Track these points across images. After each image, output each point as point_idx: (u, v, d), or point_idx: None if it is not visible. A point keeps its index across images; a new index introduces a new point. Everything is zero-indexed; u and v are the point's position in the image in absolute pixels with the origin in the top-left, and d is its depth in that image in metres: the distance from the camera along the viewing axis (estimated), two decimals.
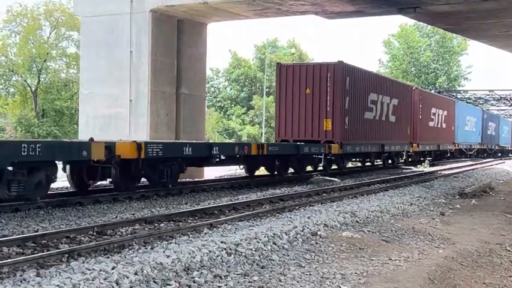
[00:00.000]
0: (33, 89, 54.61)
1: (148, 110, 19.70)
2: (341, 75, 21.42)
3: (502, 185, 21.93)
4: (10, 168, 10.32)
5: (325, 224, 10.02)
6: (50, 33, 55.07)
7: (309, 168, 21.66)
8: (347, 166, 25.60)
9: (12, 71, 54.11)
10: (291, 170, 20.63)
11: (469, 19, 20.95)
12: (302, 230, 9.26)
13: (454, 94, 58.48)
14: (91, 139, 12.04)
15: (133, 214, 10.97)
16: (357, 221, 10.90)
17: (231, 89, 75.82)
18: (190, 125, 21.33)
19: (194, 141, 17.50)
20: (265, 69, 67.76)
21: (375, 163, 28.06)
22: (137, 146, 12.86)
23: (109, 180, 13.75)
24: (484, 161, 42.54)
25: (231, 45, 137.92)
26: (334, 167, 23.20)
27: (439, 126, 35.01)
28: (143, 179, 14.79)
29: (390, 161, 28.97)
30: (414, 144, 29.78)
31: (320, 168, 21.90)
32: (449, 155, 39.41)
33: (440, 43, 76.04)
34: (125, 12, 19.89)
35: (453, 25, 23.37)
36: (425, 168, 29.57)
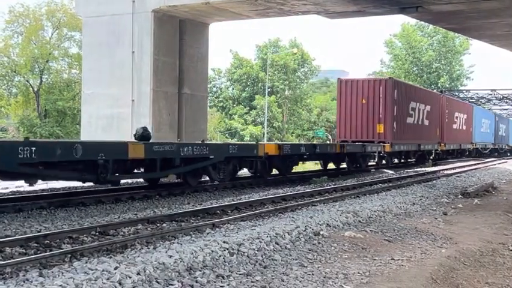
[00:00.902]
0: (35, 89, 54.63)
1: (150, 110, 19.72)
2: (391, 88, 26.56)
3: (504, 184, 21.90)
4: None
5: (327, 224, 10.01)
6: (52, 34, 55.10)
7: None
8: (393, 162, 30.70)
9: (15, 72, 54.12)
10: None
11: (471, 18, 20.93)
12: (305, 230, 9.26)
13: (456, 94, 58.40)
14: (257, 141, 17.51)
15: (136, 214, 10.97)
16: (359, 221, 10.89)
17: (233, 89, 75.83)
18: (193, 124, 21.35)
19: (307, 142, 24.77)
20: (267, 69, 67.76)
21: (409, 160, 33.00)
22: (278, 146, 17.69)
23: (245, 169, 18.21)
24: (486, 160, 42.66)
25: (232, 45, 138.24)
26: (383, 162, 28.33)
27: (461, 128, 40.30)
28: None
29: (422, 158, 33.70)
30: (442, 144, 35.02)
31: (373, 163, 27.08)
32: (467, 153, 44.22)
33: (442, 42, 75.96)
34: (127, 13, 19.91)
35: (455, 24, 23.36)
36: (427, 167, 29.57)
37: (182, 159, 14.13)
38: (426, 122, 31.77)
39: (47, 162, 10.56)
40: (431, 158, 33.64)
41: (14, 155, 9.64)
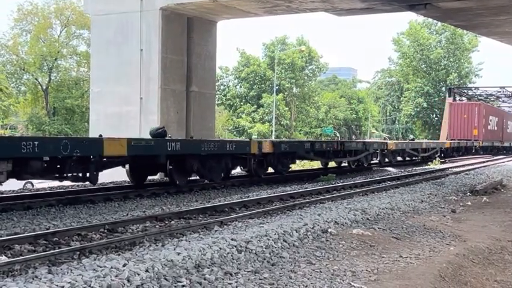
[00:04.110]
0: (44, 87, 54.85)
1: (158, 108, 19.74)
2: (482, 108, 45.01)
3: None
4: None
5: (335, 221, 10.00)
6: (60, 32, 55.34)
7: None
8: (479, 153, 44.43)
9: (24, 70, 54.37)
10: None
11: (479, 15, 20.83)
12: (312, 228, 9.25)
13: (465, 91, 58.20)
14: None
15: (144, 212, 11.00)
16: (367, 218, 10.88)
17: (241, 87, 75.83)
18: (200, 122, 21.36)
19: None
20: (275, 67, 67.68)
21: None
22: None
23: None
24: (495, 158, 42.76)
25: (238, 43, 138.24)
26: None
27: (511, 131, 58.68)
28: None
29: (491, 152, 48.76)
30: (502, 142, 51.92)
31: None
32: None
33: (450, 40, 75.67)
34: (135, 11, 19.94)
35: (463, 21, 23.24)
36: (435, 165, 29.51)
37: None
38: (496, 128, 49.13)
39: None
40: (495, 151, 49.62)
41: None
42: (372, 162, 26.35)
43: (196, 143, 14.83)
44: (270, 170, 18.73)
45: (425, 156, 31.72)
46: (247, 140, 19.29)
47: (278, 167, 18.63)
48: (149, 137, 14.71)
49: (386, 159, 27.25)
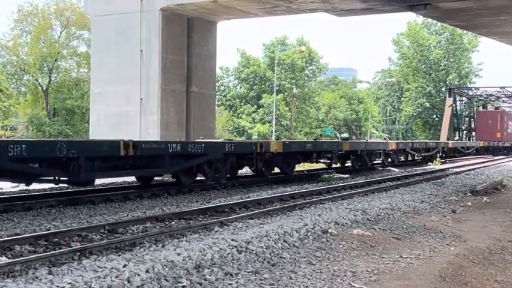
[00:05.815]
0: (44, 88, 54.86)
1: (159, 108, 19.75)
2: (504, 115, 54.36)
3: None
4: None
5: (336, 222, 10.00)
6: (60, 33, 55.35)
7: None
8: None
9: (24, 70, 54.38)
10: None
11: (479, 16, 20.84)
12: (313, 228, 9.25)
13: (465, 91, 58.19)
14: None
15: (144, 212, 11.00)
16: (368, 219, 10.87)
17: (241, 87, 75.80)
18: (201, 123, 21.37)
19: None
20: (274, 67, 67.66)
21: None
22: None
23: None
24: (496, 158, 42.78)
25: (238, 43, 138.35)
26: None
27: None
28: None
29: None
30: None
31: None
32: None
33: (450, 40, 75.62)
34: (135, 11, 19.96)
35: (463, 22, 23.25)
36: (436, 165, 29.51)
37: None
38: None
39: None
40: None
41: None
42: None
43: (361, 143, 24.65)
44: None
45: (467, 152, 41.16)
46: (385, 140, 29.10)
47: (395, 159, 27.71)
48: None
49: (444, 155, 35.58)
